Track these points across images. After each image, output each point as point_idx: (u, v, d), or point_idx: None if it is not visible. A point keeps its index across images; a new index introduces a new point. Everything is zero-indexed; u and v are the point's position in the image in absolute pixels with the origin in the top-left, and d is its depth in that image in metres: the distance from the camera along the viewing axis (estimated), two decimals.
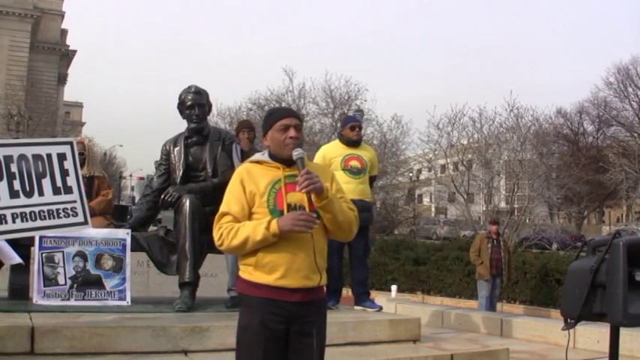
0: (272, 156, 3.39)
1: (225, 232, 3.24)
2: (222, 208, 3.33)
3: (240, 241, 3.19)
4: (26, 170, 5.07)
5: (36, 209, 5.06)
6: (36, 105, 47.30)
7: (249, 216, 3.29)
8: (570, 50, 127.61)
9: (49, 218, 5.12)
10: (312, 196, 3.22)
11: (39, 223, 5.08)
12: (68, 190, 5.22)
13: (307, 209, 3.22)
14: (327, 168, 3.68)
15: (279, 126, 3.37)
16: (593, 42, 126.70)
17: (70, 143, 5.40)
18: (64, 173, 5.23)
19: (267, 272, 3.21)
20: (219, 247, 3.32)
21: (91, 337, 4.90)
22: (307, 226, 3.17)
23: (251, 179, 3.32)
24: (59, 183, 5.19)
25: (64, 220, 5.18)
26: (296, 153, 3.30)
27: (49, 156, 5.20)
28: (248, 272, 3.27)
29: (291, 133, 3.35)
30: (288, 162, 3.34)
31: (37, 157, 5.14)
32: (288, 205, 3.24)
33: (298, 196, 3.25)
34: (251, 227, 3.19)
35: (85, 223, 5.30)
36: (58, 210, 5.15)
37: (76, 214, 5.23)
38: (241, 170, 3.40)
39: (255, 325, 3.20)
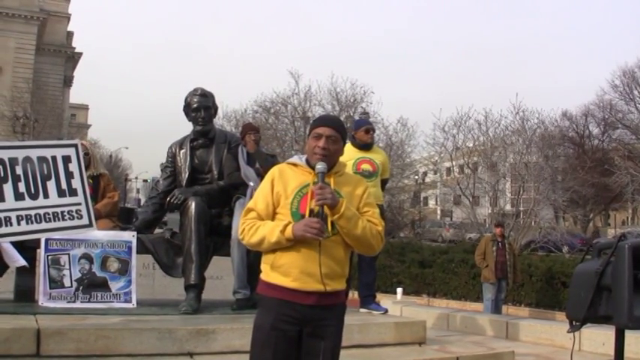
0: (307, 160, 3.48)
1: (247, 227, 3.36)
2: (250, 203, 3.47)
3: (258, 239, 3.32)
4: (31, 172, 5.08)
5: (41, 211, 5.07)
6: (42, 107, 47.35)
7: (273, 215, 3.39)
8: (576, 53, 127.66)
9: (54, 220, 5.13)
10: (327, 210, 3.28)
11: (44, 225, 5.09)
12: (73, 192, 5.23)
13: (329, 218, 3.28)
14: (361, 181, 3.68)
15: (314, 133, 3.46)
16: (599, 45, 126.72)
17: (75, 146, 5.42)
18: (69, 176, 5.24)
19: (282, 274, 3.30)
20: (242, 241, 3.45)
21: (97, 340, 4.91)
22: (318, 234, 3.22)
23: (281, 180, 3.42)
24: (64, 185, 5.20)
25: (68, 223, 5.19)
26: (319, 166, 3.36)
27: (53, 158, 5.20)
28: (265, 272, 3.38)
29: (321, 142, 3.42)
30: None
31: (41, 160, 5.15)
32: (311, 211, 3.31)
33: None
34: (269, 228, 3.31)
35: (90, 225, 5.30)
36: (62, 212, 5.16)
37: (80, 217, 5.23)
38: (275, 170, 3.51)
39: (268, 325, 3.28)
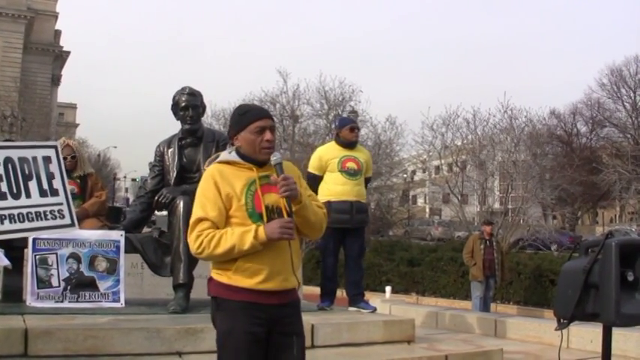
0: (243, 156, 3.33)
1: (206, 240, 3.15)
2: (198, 213, 3.23)
3: (225, 249, 3.13)
4: (12, 172, 5.10)
5: (24, 211, 5.09)
6: (29, 106, 47.12)
7: (226, 220, 3.23)
8: (564, 52, 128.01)
9: (37, 220, 5.14)
10: (284, 202, 3.21)
11: (27, 224, 5.10)
12: (54, 192, 5.25)
13: (284, 212, 3.20)
14: (293, 167, 3.55)
15: (254, 128, 3.29)
16: (587, 43, 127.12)
17: (55, 147, 5.45)
18: (50, 176, 5.27)
19: (247, 276, 3.18)
20: (198, 256, 3.23)
21: (85, 339, 4.89)
22: (293, 234, 3.17)
23: (225, 181, 3.25)
24: (45, 185, 5.22)
25: (51, 222, 5.21)
26: (274, 158, 3.26)
27: (34, 159, 5.24)
28: (227, 276, 3.21)
29: (268, 136, 3.29)
30: (260, 162, 3.30)
31: (23, 160, 5.18)
32: (266, 207, 3.22)
33: (274, 198, 3.24)
34: (237, 236, 3.13)
35: (72, 224, 5.33)
36: (45, 212, 5.18)
37: (62, 217, 5.25)
38: (213, 172, 3.30)
39: (238, 330, 3.16)
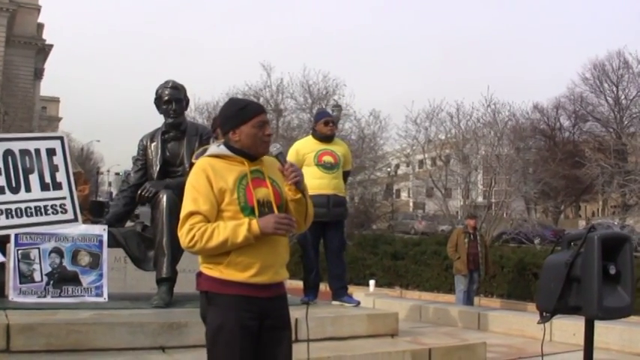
0: (235, 150, 3.32)
1: (199, 233, 3.13)
2: (190, 206, 3.21)
3: (218, 242, 3.11)
4: (12, 165, 4.98)
5: (22, 205, 4.98)
6: (12, 100, 46.78)
7: (217, 214, 3.21)
8: (547, 46, 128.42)
9: (37, 215, 5.03)
10: (291, 189, 3.26)
11: (25, 219, 4.99)
12: (57, 186, 5.14)
13: (274, 204, 3.24)
14: (274, 159, 3.55)
15: (257, 122, 3.30)
16: (570, 38, 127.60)
17: (61, 138, 5.33)
18: (54, 169, 5.14)
19: (240, 270, 3.17)
20: (190, 249, 3.20)
21: (68, 334, 4.87)
22: (288, 229, 3.17)
23: (218, 175, 3.23)
24: (48, 179, 5.10)
25: (52, 217, 5.10)
26: (274, 149, 3.31)
27: (37, 151, 5.11)
28: (218, 270, 3.19)
29: (268, 130, 3.34)
30: (252, 157, 3.31)
31: (24, 152, 5.06)
32: (257, 201, 3.22)
33: (265, 192, 3.26)
34: (230, 229, 3.12)
35: (75, 219, 5.22)
36: (46, 206, 5.07)
37: (65, 211, 5.15)
38: (205, 165, 3.27)
39: (231, 324, 3.14)
